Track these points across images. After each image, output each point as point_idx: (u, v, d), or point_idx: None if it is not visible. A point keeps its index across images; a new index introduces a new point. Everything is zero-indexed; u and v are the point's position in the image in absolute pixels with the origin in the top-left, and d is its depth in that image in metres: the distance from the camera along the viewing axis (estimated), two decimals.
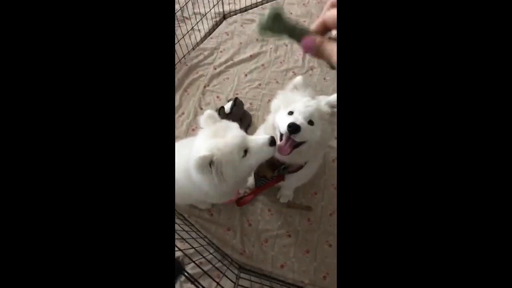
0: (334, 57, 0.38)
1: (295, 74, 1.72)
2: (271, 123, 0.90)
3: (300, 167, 0.98)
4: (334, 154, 1.46)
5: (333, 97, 0.86)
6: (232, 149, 0.75)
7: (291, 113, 0.82)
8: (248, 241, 1.29)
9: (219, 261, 1.13)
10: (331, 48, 0.38)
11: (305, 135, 0.79)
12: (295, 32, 0.41)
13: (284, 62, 1.76)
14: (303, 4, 2.00)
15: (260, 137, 0.82)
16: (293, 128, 0.76)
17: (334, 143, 1.47)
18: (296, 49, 1.80)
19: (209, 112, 0.83)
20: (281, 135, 0.82)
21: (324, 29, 0.40)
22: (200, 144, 0.77)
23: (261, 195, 1.36)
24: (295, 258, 1.26)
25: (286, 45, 1.82)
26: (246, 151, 0.79)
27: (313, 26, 0.40)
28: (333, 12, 0.38)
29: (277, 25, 0.40)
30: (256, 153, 0.79)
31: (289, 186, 1.25)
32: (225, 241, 1.28)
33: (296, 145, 0.82)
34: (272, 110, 0.91)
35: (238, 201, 1.19)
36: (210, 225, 1.31)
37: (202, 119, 0.83)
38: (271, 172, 0.98)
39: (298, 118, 0.78)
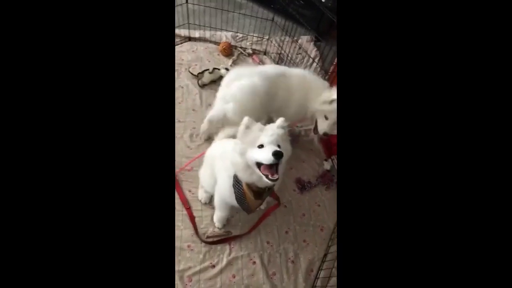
0: None
1: (195, 111, 1.83)
2: (242, 163, 0.99)
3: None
4: None
5: (279, 121, 1.02)
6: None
7: (261, 146, 0.94)
8: None
9: None
10: None
11: (285, 157, 0.92)
12: None
13: (183, 102, 1.87)
14: (192, 51, 2.23)
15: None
16: (279, 155, 0.89)
17: None
18: (192, 89, 1.95)
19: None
20: (260, 166, 0.95)
21: None
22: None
23: (177, 229, 1.34)
24: (222, 287, 1.24)
25: (182, 87, 1.95)
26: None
27: None
28: None
29: None
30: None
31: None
32: None
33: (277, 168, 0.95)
34: (239, 153, 0.99)
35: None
36: None
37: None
38: (258, 200, 1.08)
39: (273, 147, 0.91)
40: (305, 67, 2.09)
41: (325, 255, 1.40)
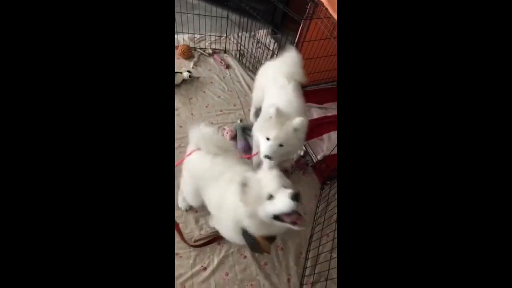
0: None
1: None
2: (255, 223, 0.92)
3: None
4: None
5: (266, 164, 0.95)
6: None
7: (270, 196, 0.85)
8: None
9: None
10: None
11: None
12: None
13: None
14: None
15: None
16: (297, 195, 0.81)
17: None
18: None
19: None
20: (280, 217, 0.87)
21: None
22: None
23: None
24: (217, 286, 1.25)
25: None
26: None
27: None
28: None
29: None
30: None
31: None
32: None
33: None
34: (249, 217, 0.92)
35: None
36: None
37: None
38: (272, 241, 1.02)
39: (285, 191, 0.83)
40: (265, 60, 2.13)
41: (311, 236, 1.47)
